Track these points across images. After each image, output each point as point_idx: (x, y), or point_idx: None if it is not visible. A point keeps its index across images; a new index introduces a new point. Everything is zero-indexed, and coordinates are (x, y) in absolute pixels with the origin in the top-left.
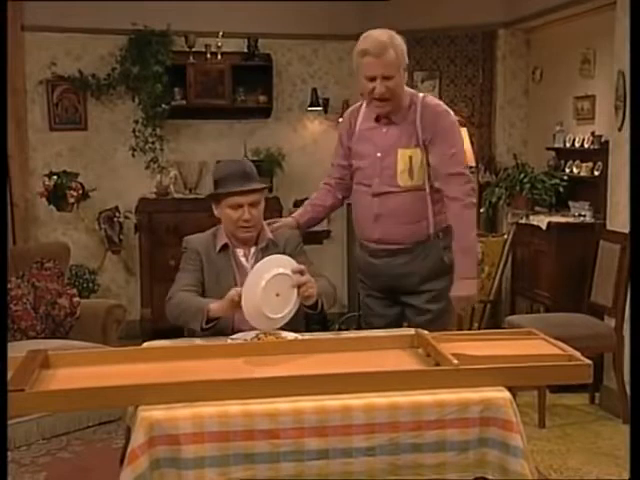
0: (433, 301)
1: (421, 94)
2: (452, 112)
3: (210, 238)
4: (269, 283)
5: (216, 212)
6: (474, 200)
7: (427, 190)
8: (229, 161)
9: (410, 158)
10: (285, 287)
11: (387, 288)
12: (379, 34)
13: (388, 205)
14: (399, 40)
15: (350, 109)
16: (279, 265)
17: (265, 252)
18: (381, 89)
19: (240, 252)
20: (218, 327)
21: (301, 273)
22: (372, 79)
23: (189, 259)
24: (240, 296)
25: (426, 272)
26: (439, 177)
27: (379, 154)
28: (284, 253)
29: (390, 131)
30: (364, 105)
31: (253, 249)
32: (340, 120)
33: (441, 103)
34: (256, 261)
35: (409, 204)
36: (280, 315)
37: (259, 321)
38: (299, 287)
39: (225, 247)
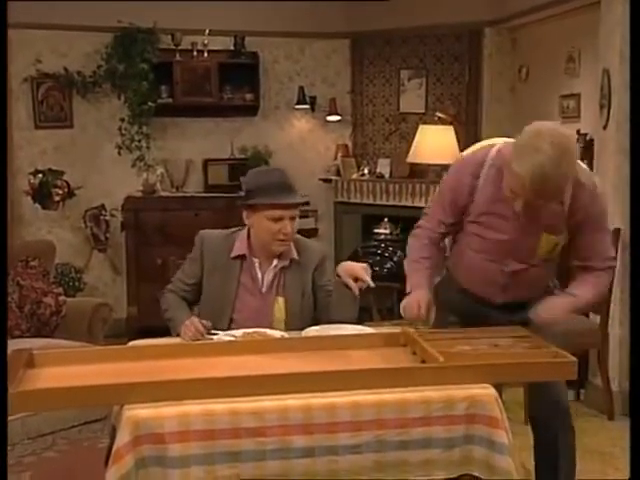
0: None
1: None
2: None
3: (226, 240)
4: None
5: (248, 220)
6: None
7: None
8: (268, 169)
9: (555, 245)
10: None
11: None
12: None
13: (520, 278)
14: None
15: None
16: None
17: (287, 271)
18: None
19: (256, 262)
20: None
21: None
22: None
23: (195, 254)
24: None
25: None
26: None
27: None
28: (307, 274)
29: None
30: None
31: (275, 262)
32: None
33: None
34: (274, 277)
35: (542, 275)
36: None
37: None
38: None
39: (241, 256)
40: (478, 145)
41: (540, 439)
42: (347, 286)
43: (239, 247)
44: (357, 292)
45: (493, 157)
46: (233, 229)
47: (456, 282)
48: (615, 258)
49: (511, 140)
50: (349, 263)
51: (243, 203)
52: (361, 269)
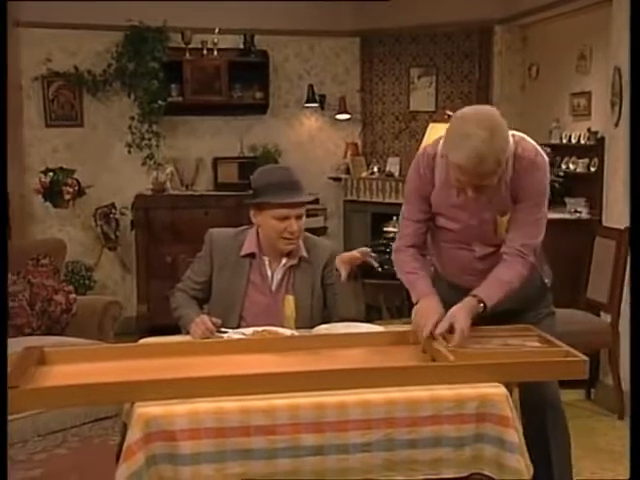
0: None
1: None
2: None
3: (236, 238)
4: None
5: (255, 219)
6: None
7: None
8: (274, 168)
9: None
10: None
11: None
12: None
13: (493, 260)
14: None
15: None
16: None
17: (297, 270)
18: None
19: (266, 260)
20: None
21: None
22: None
23: (205, 253)
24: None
25: (525, 300)
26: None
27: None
28: (316, 273)
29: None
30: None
31: (284, 260)
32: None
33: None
34: (284, 276)
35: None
36: None
37: None
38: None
39: (251, 254)
40: (431, 140)
41: (531, 436)
42: (354, 281)
43: (249, 245)
44: (343, 278)
45: (441, 149)
46: (242, 227)
47: (443, 277)
48: (529, 249)
49: None
50: (345, 253)
51: (250, 202)
52: (352, 254)
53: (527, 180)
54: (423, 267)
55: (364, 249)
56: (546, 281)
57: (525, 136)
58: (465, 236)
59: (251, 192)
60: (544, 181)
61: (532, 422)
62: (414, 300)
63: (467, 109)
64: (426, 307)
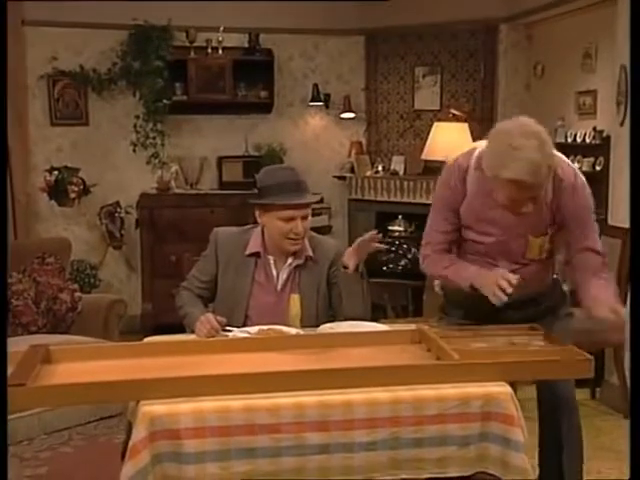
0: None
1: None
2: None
3: (241, 237)
4: None
5: (260, 220)
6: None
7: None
8: (279, 168)
9: (540, 246)
10: None
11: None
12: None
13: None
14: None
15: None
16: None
17: (302, 270)
18: None
19: (271, 259)
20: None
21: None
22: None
23: (210, 252)
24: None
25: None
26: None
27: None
28: (322, 272)
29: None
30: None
31: (289, 260)
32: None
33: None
34: (289, 275)
35: (539, 271)
36: None
37: None
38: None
39: (256, 253)
40: (460, 152)
41: (545, 434)
42: (361, 280)
43: (254, 245)
44: (351, 270)
45: (475, 160)
46: (248, 226)
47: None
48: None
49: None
50: (352, 245)
51: (255, 203)
52: (361, 240)
53: (570, 202)
54: (456, 259)
55: (372, 232)
56: (565, 289)
57: (563, 156)
58: (492, 251)
59: (256, 192)
60: (589, 200)
61: (547, 420)
62: (468, 285)
63: (505, 123)
64: (486, 272)
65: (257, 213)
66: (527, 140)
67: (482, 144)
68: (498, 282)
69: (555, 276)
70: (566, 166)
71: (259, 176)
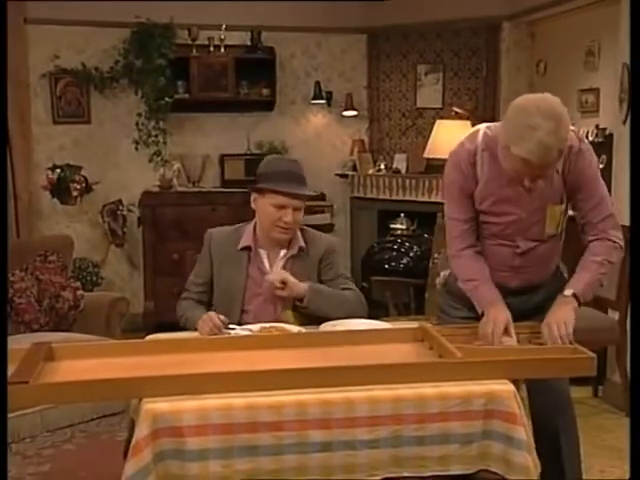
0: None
1: None
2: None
3: (234, 234)
4: None
5: (254, 204)
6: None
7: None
8: (282, 158)
9: (560, 214)
10: None
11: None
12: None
13: (531, 258)
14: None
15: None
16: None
17: (295, 260)
18: None
19: (264, 253)
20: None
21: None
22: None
23: (204, 253)
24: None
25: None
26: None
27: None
28: (313, 265)
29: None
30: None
31: (282, 252)
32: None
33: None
34: (283, 267)
35: (552, 251)
36: None
37: None
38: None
39: (248, 247)
40: (462, 138)
41: (541, 434)
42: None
43: (246, 239)
44: None
45: (481, 142)
46: (241, 224)
47: None
48: (611, 224)
49: (489, 125)
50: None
51: (251, 187)
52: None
53: (579, 167)
54: (483, 269)
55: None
56: (560, 267)
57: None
58: (510, 231)
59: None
60: (594, 163)
61: (542, 420)
62: (479, 310)
63: (529, 98)
64: (494, 313)
65: (252, 197)
66: (544, 121)
67: (483, 126)
68: (494, 332)
69: (560, 266)
70: (571, 133)
71: (262, 163)
